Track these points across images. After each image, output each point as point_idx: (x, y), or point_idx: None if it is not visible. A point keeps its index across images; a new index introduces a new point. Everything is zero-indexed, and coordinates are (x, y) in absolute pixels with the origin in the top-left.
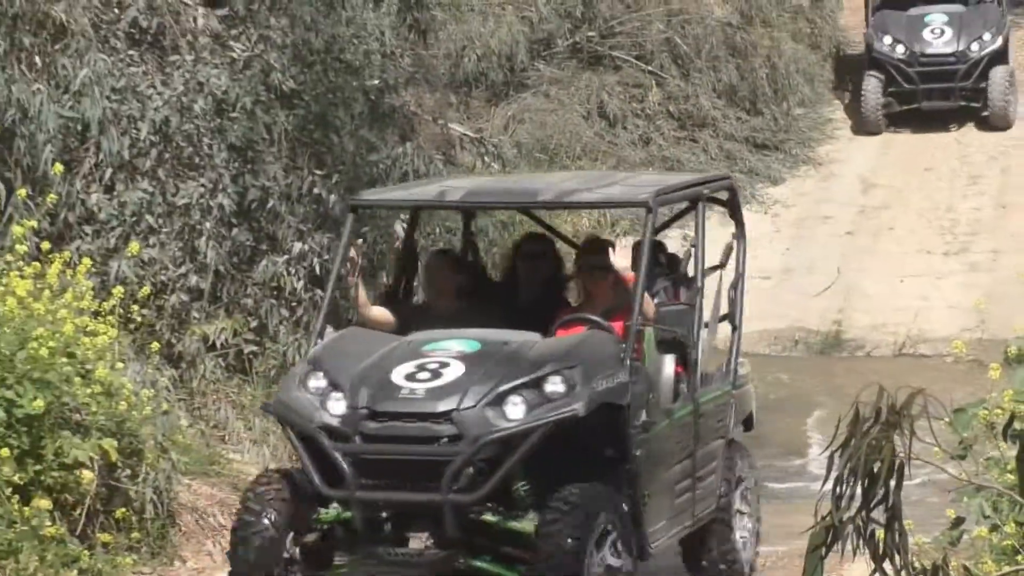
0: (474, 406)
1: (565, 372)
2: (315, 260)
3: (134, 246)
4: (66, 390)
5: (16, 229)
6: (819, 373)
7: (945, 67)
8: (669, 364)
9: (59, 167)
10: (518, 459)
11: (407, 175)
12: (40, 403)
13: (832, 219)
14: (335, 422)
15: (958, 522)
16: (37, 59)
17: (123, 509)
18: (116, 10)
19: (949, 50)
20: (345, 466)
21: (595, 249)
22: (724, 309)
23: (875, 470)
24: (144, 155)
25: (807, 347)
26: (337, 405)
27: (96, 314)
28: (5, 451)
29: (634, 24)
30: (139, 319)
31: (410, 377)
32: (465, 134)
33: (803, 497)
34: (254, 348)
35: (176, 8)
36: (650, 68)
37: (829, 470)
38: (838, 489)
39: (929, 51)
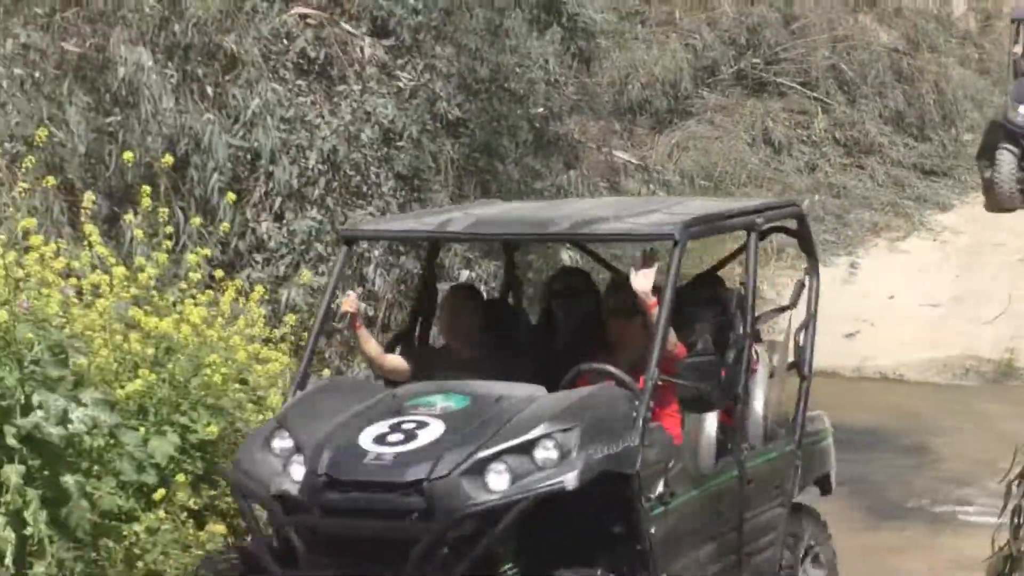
0: (448, 475)
1: (559, 435)
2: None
3: (305, 274)
4: (239, 416)
5: (190, 257)
6: (992, 400)
7: None
8: (711, 424)
9: (231, 196)
10: (497, 537)
11: None
12: (214, 429)
13: (1003, 246)
14: (294, 490)
15: None
16: (209, 89)
17: None
18: (285, 41)
19: None
20: (298, 542)
21: (618, 286)
22: (792, 355)
23: None
24: (313, 184)
25: (979, 376)
26: (298, 470)
27: (268, 341)
28: (180, 476)
29: (799, 51)
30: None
31: (380, 439)
32: (629, 161)
33: (974, 526)
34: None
35: (343, 38)
36: (815, 94)
37: (1006, 501)
38: (1016, 519)
39: None
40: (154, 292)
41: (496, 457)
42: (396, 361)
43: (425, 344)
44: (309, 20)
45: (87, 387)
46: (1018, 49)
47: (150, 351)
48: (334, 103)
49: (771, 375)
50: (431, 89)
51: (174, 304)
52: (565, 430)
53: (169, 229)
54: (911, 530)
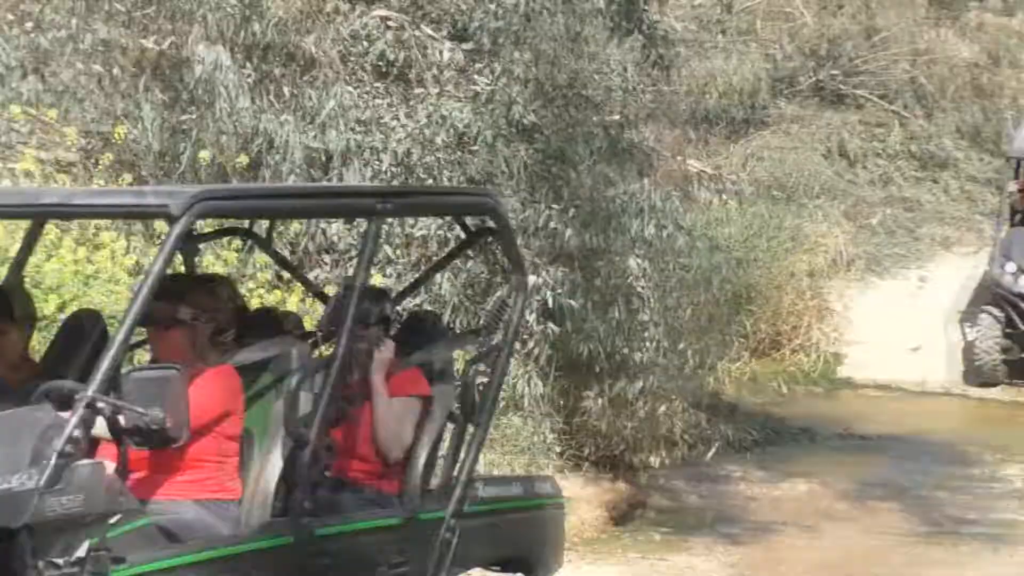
0: None
1: None
2: (548, 293)
3: (375, 277)
4: None
5: (259, 258)
6: None
7: None
8: (272, 469)
9: None
10: None
11: (643, 210)
12: None
13: None
14: None
15: None
16: (285, 90)
17: None
18: (365, 43)
19: None
20: None
21: (161, 292)
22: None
23: None
24: None
25: None
26: None
27: None
28: None
29: (878, 63)
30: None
31: None
32: (703, 170)
33: None
34: (484, 380)
35: (423, 42)
36: (892, 107)
37: None
38: None
39: None
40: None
41: None
42: None
43: None
44: (390, 23)
45: None
46: (1013, 187)
47: None
48: (410, 106)
49: (452, 416)
50: (507, 94)
51: None
52: None
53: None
54: (967, 544)
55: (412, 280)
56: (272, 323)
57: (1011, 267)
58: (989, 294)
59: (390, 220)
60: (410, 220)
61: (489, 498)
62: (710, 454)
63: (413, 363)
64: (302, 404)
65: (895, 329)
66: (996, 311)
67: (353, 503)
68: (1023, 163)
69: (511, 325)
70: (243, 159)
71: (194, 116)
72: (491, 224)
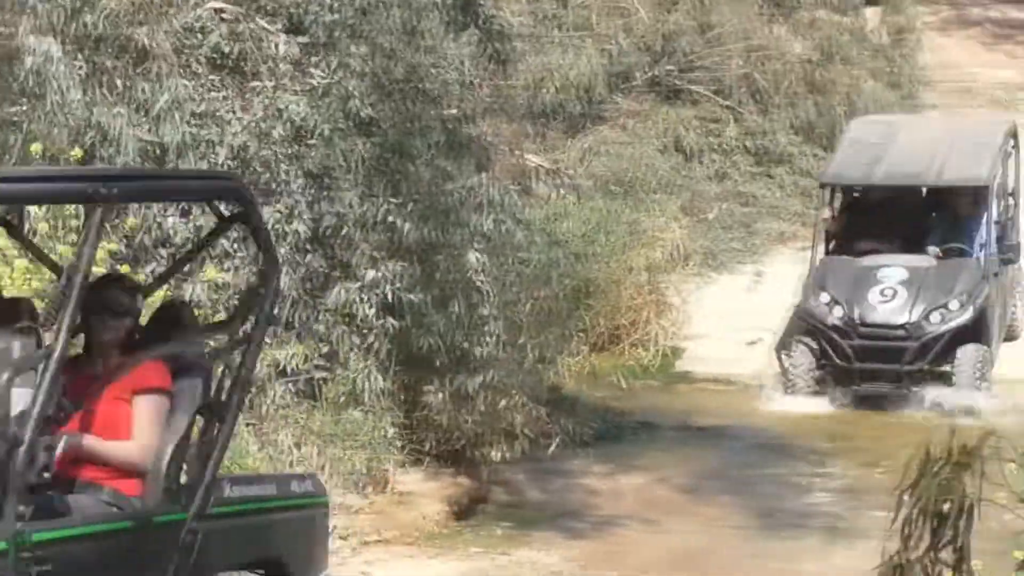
0: None
1: None
2: (388, 288)
3: (209, 270)
4: None
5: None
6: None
7: (891, 342)
8: None
9: None
10: None
11: (482, 205)
12: None
13: None
14: None
15: None
16: (118, 82)
17: None
18: (199, 35)
19: (898, 320)
20: None
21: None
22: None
23: (944, 511)
24: None
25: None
26: None
27: None
28: None
29: (713, 59)
30: (212, 343)
31: None
32: (541, 165)
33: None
34: (324, 374)
35: (258, 34)
36: (728, 103)
37: (898, 510)
38: (906, 529)
39: (872, 319)
40: (56, 285)
41: None
42: None
43: None
44: (224, 15)
45: None
46: (828, 214)
47: None
48: (246, 99)
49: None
50: (344, 87)
51: None
52: None
53: (74, 223)
54: (804, 538)
55: (162, 271)
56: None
57: (824, 297)
58: (803, 325)
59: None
60: None
61: (237, 498)
62: (551, 448)
63: (156, 355)
64: (16, 402)
65: (732, 323)
66: (810, 342)
67: (86, 506)
68: (837, 190)
69: (262, 314)
70: (76, 153)
71: (24, 108)
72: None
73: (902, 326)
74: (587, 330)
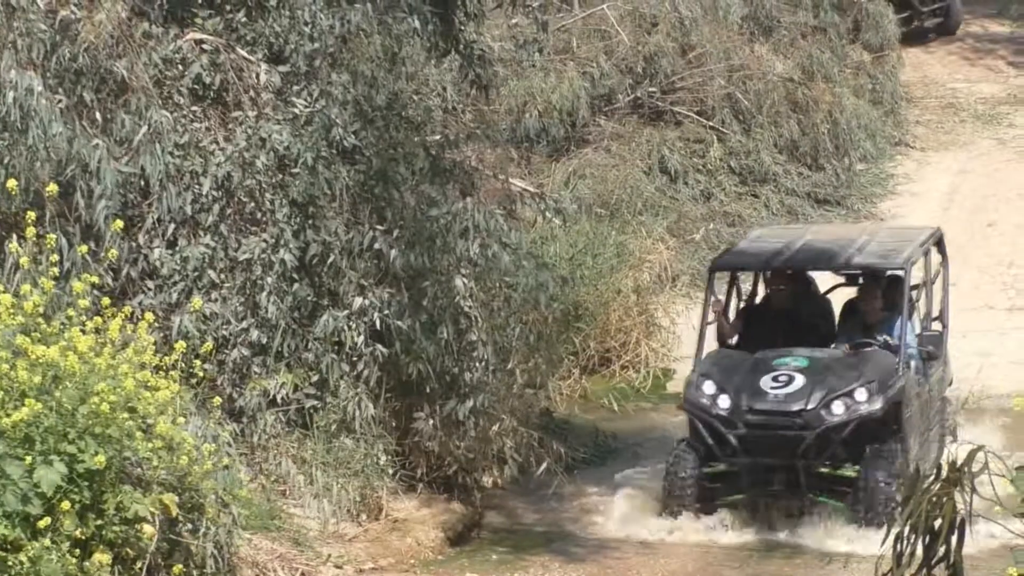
0: None
1: None
2: (376, 315)
3: (196, 301)
4: (127, 444)
5: (76, 285)
6: None
7: (783, 431)
8: None
9: (118, 223)
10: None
11: (468, 230)
12: (101, 458)
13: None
14: None
15: None
16: (98, 115)
17: (183, 564)
18: (180, 67)
19: (792, 407)
20: None
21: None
22: None
23: (936, 527)
24: (206, 210)
25: None
26: None
27: (158, 369)
28: (66, 505)
29: (695, 80)
30: (201, 374)
31: None
32: (526, 189)
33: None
34: (315, 403)
35: (239, 64)
36: (711, 123)
37: (889, 527)
38: (899, 546)
39: (761, 405)
40: (40, 319)
41: None
42: None
43: None
44: (205, 46)
45: None
46: (717, 301)
47: (37, 379)
48: (229, 129)
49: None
50: (327, 116)
51: (61, 331)
52: None
53: (55, 257)
54: (799, 556)
55: None
56: None
57: (709, 387)
58: (688, 427)
59: (212, 243)
60: (233, 244)
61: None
62: (539, 472)
63: None
64: None
65: None
66: (693, 439)
67: None
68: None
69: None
70: (52, 188)
71: (7, 143)
72: None
73: (798, 413)
74: (578, 353)
